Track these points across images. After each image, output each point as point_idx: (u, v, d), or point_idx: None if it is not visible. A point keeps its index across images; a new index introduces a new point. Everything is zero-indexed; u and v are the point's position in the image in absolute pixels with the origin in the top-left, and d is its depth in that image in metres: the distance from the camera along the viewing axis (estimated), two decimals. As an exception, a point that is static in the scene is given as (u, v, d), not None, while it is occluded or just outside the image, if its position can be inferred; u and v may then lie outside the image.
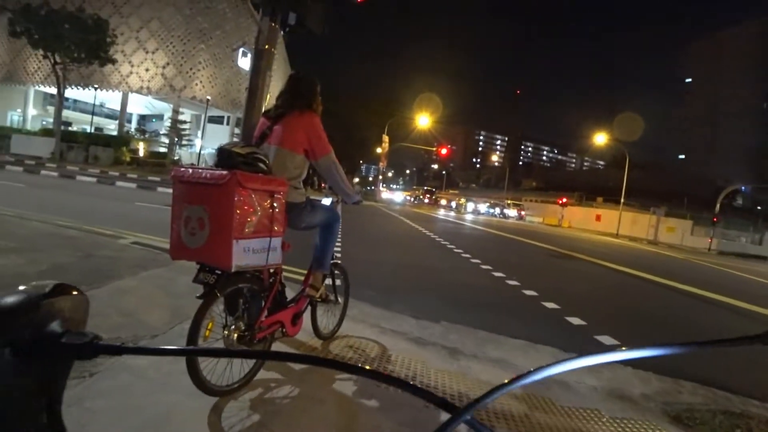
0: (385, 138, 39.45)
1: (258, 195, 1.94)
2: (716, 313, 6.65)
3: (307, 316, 2.70)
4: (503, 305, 5.17)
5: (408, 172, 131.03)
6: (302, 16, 5.22)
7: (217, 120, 40.33)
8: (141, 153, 32.34)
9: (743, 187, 55.40)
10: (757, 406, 3.04)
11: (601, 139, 38.95)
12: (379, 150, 41.57)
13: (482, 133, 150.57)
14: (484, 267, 7.52)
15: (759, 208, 63.93)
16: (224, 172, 1.84)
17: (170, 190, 2.07)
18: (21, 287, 0.42)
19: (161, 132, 36.64)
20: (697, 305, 7.14)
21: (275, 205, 2.02)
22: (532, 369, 0.39)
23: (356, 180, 63.56)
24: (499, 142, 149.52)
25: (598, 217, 38.32)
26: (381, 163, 43.34)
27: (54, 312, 0.42)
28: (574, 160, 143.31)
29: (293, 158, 2.32)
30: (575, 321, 4.67)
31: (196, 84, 34.81)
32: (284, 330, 2.35)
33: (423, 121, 41.14)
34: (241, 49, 33.12)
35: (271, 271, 2.21)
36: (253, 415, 1.96)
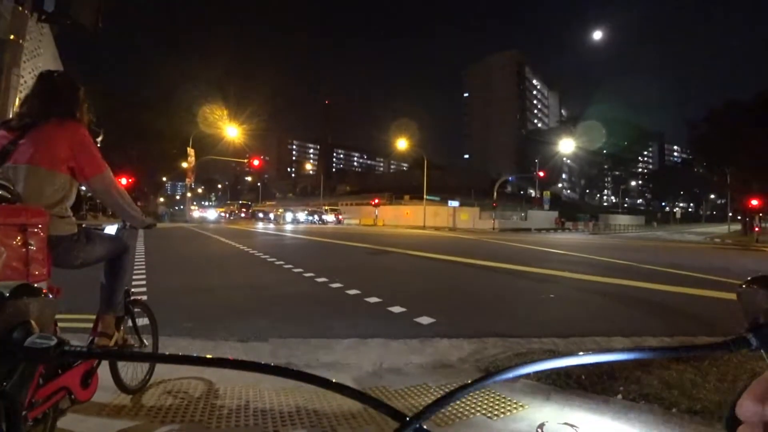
0: (191, 151, 35.79)
1: (1, 231, 1.49)
2: (495, 276, 8.13)
3: (105, 371, 2.20)
4: (330, 309, 5.25)
5: (220, 186, 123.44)
6: (64, 3, 4.36)
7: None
8: None
9: (510, 178, 69.36)
10: (536, 342, 3.93)
11: (402, 144, 43.66)
12: (185, 164, 37.63)
13: (295, 142, 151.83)
14: (307, 275, 7.55)
15: (522, 192, 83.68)
16: (-60, 206, 1.36)
17: None
18: None
19: None
20: (485, 273, 8.63)
21: (31, 241, 1.56)
22: (476, 378, 0.42)
23: (161, 200, 56.79)
24: (312, 150, 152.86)
25: (406, 214, 42.55)
26: (188, 179, 39.24)
27: (19, 314, 0.41)
28: (381, 164, 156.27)
29: (53, 179, 1.81)
30: (397, 310, 5.06)
31: None
32: (73, 396, 1.82)
33: (231, 131, 39.04)
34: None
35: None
36: None
